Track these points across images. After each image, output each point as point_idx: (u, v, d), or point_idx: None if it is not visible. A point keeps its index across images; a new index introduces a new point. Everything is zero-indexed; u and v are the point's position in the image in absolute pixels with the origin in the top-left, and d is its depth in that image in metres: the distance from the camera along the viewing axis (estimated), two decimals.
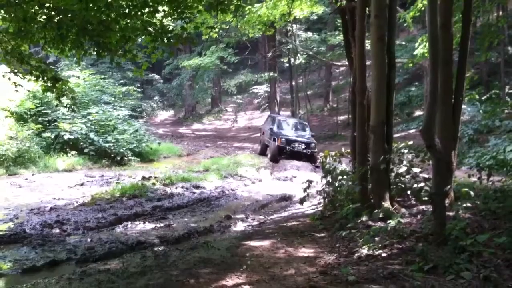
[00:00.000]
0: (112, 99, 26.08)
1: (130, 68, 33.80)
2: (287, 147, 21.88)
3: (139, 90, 34.25)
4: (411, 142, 10.14)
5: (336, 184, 9.62)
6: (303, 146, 21.94)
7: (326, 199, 9.77)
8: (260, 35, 23.86)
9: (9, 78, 9.89)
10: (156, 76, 47.22)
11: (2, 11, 8.12)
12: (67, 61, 24.67)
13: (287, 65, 35.50)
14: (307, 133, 23.41)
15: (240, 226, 9.72)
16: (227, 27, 20.51)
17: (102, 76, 26.97)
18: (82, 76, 24.50)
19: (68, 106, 17.54)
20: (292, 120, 25.68)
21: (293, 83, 35.16)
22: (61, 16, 7.70)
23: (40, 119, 20.39)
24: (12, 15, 7.80)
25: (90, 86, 24.48)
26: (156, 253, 7.36)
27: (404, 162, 9.10)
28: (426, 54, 16.25)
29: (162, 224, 9.89)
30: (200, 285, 5.58)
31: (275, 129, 23.25)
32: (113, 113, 23.82)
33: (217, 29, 15.07)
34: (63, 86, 9.54)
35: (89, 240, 8.51)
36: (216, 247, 7.55)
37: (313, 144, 22.13)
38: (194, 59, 33.44)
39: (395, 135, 12.51)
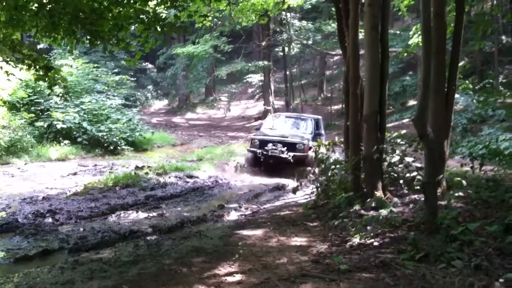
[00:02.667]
0: (105, 88, 25.95)
1: (123, 57, 33.59)
2: (258, 150, 15.80)
3: (132, 79, 34.11)
4: (404, 132, 10.15)
5: (329, 173, 9.64)
6: (281, 148, 15.60)
7: (319, 189, 9.79)
8: (254, 24, 23.74)
9: (1, 67, 9.81)
10: (150, 65, 47.02)
11: None
12: (60, 50, 24.44)
13: (281, 54, 35.41)
14: (306, 131, 17.41)
15: (233, 216, 9.72)
16: (221, 15, 20.44)
17: (95, 65, 26.77)
18: (75, 65, 24.33)
19: (60, 95, 17.47)
20: (293, 117, 19.92)
21: (287, 73, 35.13)
22: (53, 4, 7.64)
23: (32, 108, 20.26)
24: (4, 3, 7.71)
25: (83, 75, 24.32)
26: (148, 242, 7.37)
27: (397, 152, 9.12)
28: (420, 43, 16.25)
29: (155, 214, 9.88)
30: (193, 274, 5.59)
31: (261, 128, 18.23)
32: (106, 102, 23.71)
33: (210, 18, 15.03)
34: (55, 75, 9.46)
35: (81, 229, 8.49)
36: (209, 236, 7.57)
37: (301, 145, 15.80)
38: (187, 47, 33.31)
39: (389, 125, 12.53)
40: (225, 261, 6.02)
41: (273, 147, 15.67)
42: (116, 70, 31.59)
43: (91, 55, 35.73)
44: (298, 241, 6.90)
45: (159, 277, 5.53)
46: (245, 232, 7.75)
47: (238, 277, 5.38)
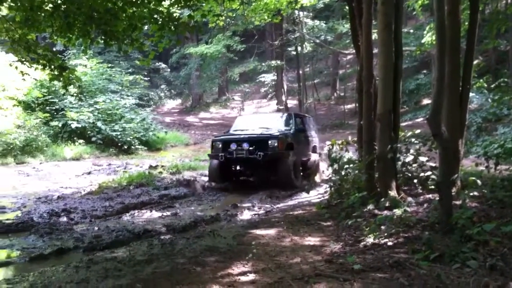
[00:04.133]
0: (119, 88, 26.17)
1: (137, 57, 33.78)
2: (220, 154, 12.96)
3: (146, 79, 34.32)
4: (418, 131, 10.09)
5: (343, 172, 9.61)
6: (248, 147, 12.74)
7: (332, 188, 9.77)
8: (267, 23, 23.70)
9: (16, 67, 9.92)
10: (163, 65, 47.20)
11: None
12: (74, 50, 24.66)
13: (294, 53, 35.36)
14: (284, 127, 14.11)
15: (246, 215, 9.72)
16: (234, 15, 20.45)
17: (109, 65, 27.00)
18: (89, 65, 24.55)
19: (75, 95, 17.62)
20: (271, 114, 17.89)
21: (300, 72, 35.05)
22: (68, 5, 7.70)
23: (47, 108, 20.51)
24: (19, 4, 7.80)
25: (97, 75, 24.55)
26: (162, 242, 7.38)
27: (411, 151, 9.08)
28: (434, 42, 16.14)
29: (168, 213, 9.92)
30: (207, 273, 5.60)
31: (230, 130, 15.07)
32: (120, 102, 23.92)
33: (223, 17, 15.03)
34: (70, 75, 9.55)
35: (96, 228, 8.54)
36: (223, 235, 7.57)
37: (274, 141, 12.73)
38: (200, 47, 33.41)
39: (402, 124, 12.45)
40: (238, 260, 6.02)
41: (239, 149, 12.80)
42: (130, 70, 31.86)
43: (105, 55, 35.97)
44: (312, 240, 6.89)
45: (173, 276, 5.54)
46: (258, 232, 7.75)
47: (251, 276, 5.38)
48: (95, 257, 6.69)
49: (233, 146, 12.89)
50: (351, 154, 11.06)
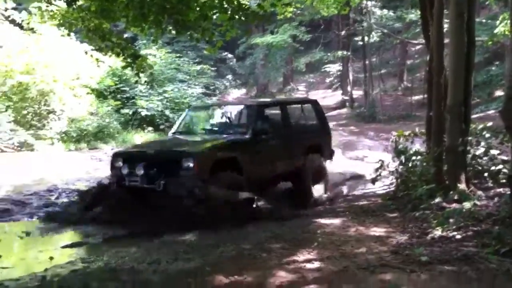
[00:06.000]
0: (187, 77, 26.66)
1: (204, 47, 34.35)
2: (112, 180, 8.65)
3: (212, 68, 34.77)
4: (490, 123, 9.80)
5: (410, 164, 9.47)
6: (143, 171, 7.97)
7: (399, 180, 9.65)
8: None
9: (91, 55, 10.36)
10: (230, 55, 47.64)
11: None
12: (144, 40, 25.35)
13: (361, 43, 34.84)
14: (237, 130, 9.48)
15: (310, 204, 9.77)
16: (302, 6, 20.41)
17: (178, 55, 27.55)
18: (159, 55, 25.15)
19: (146, 82, 18.15)
20: (234, 107, 11.15)
21: (367, 62, 34.53)
22: None
23: (118, 96, 21.21)
24: None
25: (166, 65, 25.12)
26: (229, 228, 7.53)
27: (482, 144, 8.85)
28: (507, 32, 15.55)
29: None
30: (272, 259, 5.72)
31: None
32: (188, 91, 24.39)
33: (292, 8, 15.05)
34: (142, 63, 9.90)
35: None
36: (287, 224, 7.67)
37: (187, 160, 7.91)
38: (266, 37, 33.50)
39: (473, 116, 12.03)
40: (303, 248, 6.10)
41: (137, 174, 8.03)
42: (197, 60, 32.33)
43: (173, 45, 36.69)
44: (377, 231, 6.87)
45: (239, 261, 5.70)
46: (323, 221, 7.79)
47: (316, 264, 5.45)
48: (165, 239, 6.95)
49: (125, 170, 8.30)
50: (418, 146, 10.88)
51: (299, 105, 11.19)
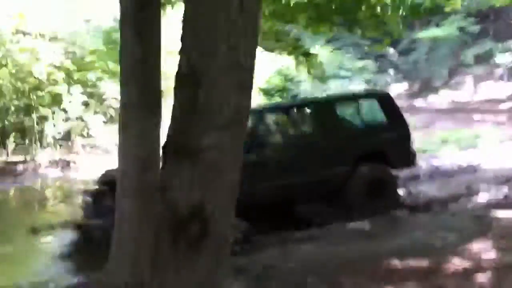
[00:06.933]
0: (349, 74, 26.86)
1: (365, 44, 34.31)
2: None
3: (374, 64, 34.58)
4: None
5: None
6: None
7: None
8: None
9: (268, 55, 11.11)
10: (392, 50, 46.81)
11: None
12: (309, 39, 26.06)
13: None
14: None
15: (482, 197, 9.56)
16: None
17: (341, 52, 27.92)
18: (323, 53, 25.68)
19: (314, 79, 18.68)
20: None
21: None
22: None
23: (284, 94, 22.01)
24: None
25: (329, 62, 25.55)
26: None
27: None
28: None
29: None
30: (446, 247, 5.87)
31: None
32: (349, 87, 24.61)
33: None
34: (313, 60, 10.41)
35: None
36: (460, 215, 7.69)
37: None
38: (431, 30, 32.49)
39: None
40: (478, 238, 6.14)
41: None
42: (358, 56, 32.38)
43: (334, 43, 37.11)
44: None
45: (414, 249, 5.93)
46: (497, 213, 7.66)
47: (492, 254, 5.48)
48: None
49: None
50: None
51: (352, 102, 9.14)
